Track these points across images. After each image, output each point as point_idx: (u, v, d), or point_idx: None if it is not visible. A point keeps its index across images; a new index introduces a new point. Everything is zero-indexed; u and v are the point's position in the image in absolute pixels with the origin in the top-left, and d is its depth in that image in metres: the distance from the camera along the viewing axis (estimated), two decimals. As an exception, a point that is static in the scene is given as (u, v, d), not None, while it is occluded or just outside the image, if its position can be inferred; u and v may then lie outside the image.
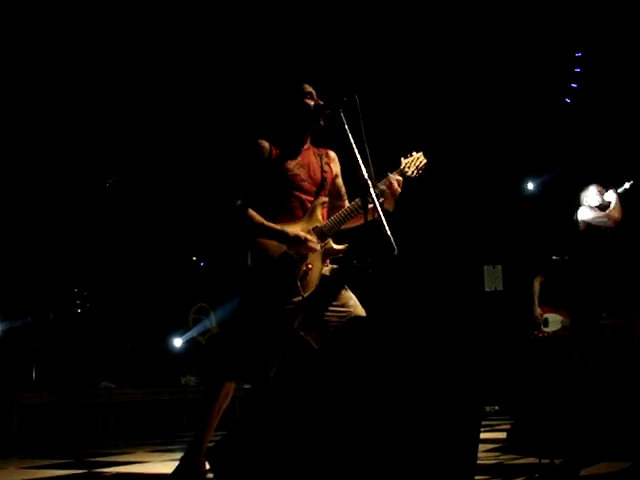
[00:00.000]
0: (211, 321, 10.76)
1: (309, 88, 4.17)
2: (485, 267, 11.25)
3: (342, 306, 4.02)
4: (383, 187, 4.01)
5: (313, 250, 3.94)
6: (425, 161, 4.32)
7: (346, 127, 3.87)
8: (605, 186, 6.70)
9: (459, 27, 9.54)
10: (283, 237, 3.91)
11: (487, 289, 11.21)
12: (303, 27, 8.77)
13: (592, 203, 6.64)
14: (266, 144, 4.10)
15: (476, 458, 3.29)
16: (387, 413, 2.92)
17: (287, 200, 4.06)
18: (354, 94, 3.88)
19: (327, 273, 4.11)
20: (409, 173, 4.23)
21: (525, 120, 10.51)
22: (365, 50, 9.16)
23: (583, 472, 3.65)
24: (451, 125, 10.17)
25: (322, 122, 4.13)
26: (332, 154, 4.33)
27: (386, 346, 3.16)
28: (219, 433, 3.47)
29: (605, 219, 6.47)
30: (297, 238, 3.91)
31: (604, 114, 10.57)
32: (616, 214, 6.44)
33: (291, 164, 4.08)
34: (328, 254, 4.07)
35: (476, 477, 3.34)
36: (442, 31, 9.53)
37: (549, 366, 7.19)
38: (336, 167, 4.32)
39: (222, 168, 4.42)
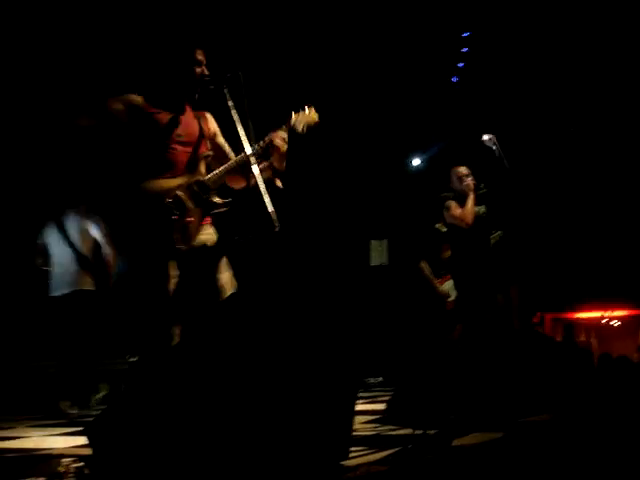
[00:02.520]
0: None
1: (200, 55, 4.13)
2: (371, 241, 11.39)
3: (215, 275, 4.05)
4: (262, 144, 4.00)
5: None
6: (316, 118, 4.33)
7: (230, 103, 3.88)
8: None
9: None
10: None
11: (373, 263, 11.36)
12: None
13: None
14: (138, 98, 4.05)
15: (351, 429, 3.37)
16: (263, 386, 2.97)
17: (166, 152, 4.02)
18: (238, 70, 3.88)
19: (210, 237, 4.11)
20: (299, 129, 4.23)
21: (410, 97, 10.66)
22: (254, 23, 9.10)
23: (456, 442, 3.77)
24: (339, 99, 10.22)
25: (199, 91, 4.12)
26: (208, 115, 4.31)
27: (265, 320, 3.20)
28: (100, 408, 3.44)
29: (458, 221, 6.68)
30: None
31: (489, 92, 10.84)
32: (468, 218, 6.64)
33: (167, 119, 4.04)
34: (210, 208, 4.06)
35: (352, 448, 3.42)
36: (333, 4, 9.55)
37: (429, 339, 7.39)
38: (213, 125, 4.31)
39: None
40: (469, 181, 6.80)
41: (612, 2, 9.57)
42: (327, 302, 3.59)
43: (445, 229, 7.67)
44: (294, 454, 2.99)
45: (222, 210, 4.10)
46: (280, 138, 4.07)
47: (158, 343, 3.86)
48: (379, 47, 10.04)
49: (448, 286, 7.77)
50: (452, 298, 7.64)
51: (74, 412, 6.74)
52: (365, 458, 3.48)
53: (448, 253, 7.69)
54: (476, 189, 6.77)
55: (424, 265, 7.74)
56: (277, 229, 3.72)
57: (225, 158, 4.23)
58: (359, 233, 11.34)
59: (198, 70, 4.08)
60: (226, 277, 4.08)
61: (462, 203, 6.71)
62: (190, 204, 3.94)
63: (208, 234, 4.10)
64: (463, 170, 6.93)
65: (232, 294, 3.90)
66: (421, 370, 5.61)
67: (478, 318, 6.57)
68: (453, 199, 6.77)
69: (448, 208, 6.76)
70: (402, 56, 10.22)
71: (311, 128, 4.30)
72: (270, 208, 3.69)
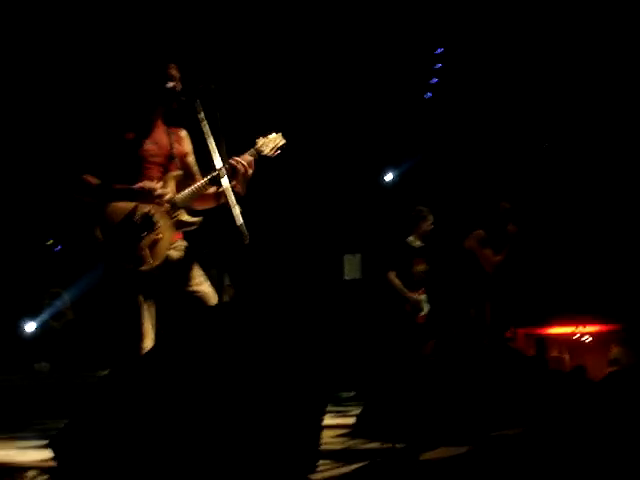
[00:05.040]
0: (66, 306, 10.50)
1: (174, 70, 4.16)
2: (345, 256, 11.39)
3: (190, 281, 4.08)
4: (227, 167, 4.02)
5: (162, 196, 3.95)
6: (284, 142, 4.37)
7: (201, 115, 3.89)
8: None
9: (322, 13, 9.59)
10: (128, 192, 3.92)
11: (346, 277, 11.36)
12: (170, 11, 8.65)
13: None
14: (113, 125, 4.09)
15: (319, 443, 3.36)
16: (229, 398, 2.95)
17: (139, 174, 4.05)
18: (211, 83, 3.89)
19: (179, 251, 4.14)
20: (266, 152, 4.26)
21: (385, 111, 10.68)
22: (227, 37, 9.10)
23: (424, 456, 3.77)
24: (312, 113, 10.24)
25: (175, 105, 4.14)
26: (182, 133, 4.35)
27: (233, 332, 3.19)
28: (62, 421, 3.41)
29: (485, 263, 6.72)
30: (141, 189, 3.92)
31: (461, 109, 10.89)
32: (495, 266, 6.68)
33: (140, 141, 4.07)
34: (180, 226, 4.08)
35: (320, 462, 3.40)
36: (304, 18, 9.56)
37: (400, 353, 7.38)
38: (186, 145, 4.34)
39: (75, 147, 4.36)
40: (514, 227, 6.81)
41: (588, 19, 9.65)
42: (298, 316, 3.58)
43: (419, 243, 7.69)
44: (260, 468, 2.97)
45: (191, 228, 4.13)
46: (244, 163, 4.09)
47: (129, 359, 3.87)
48: (352, 61, 10.06)
49: (423, 299, 7.77)
50: (424, 312, 7.64)
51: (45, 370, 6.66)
52: (332, 472, 3.47)
53: (421, 267, 7.71)
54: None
55: (392, 276, 7.72)
56: (247, 242, 3.72)
57: (192, 179, 4.26)
58: (332, 247, 11.33)
59: (171, 85, 4.09)
60: (206, 287, 4.12)
61: (492, 238, 6.72)
62: (160, 221, 3.96)
63: (179, 250, 4.12)
64: (508, 207, 6.95)
65: (198, 309, 3.91)
66: (391, 384, 5.60)
67: (451, 333, 6.59)
68: (484, 229, 6.79)
69: (483, 244, 6.74)
70: (375, 71, 10.25)
71: (280, 150, 4.34)
72: (239, 221, 3.70)
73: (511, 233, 6.84)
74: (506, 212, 6.97)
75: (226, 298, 8.21)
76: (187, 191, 4.10)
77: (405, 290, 7.65)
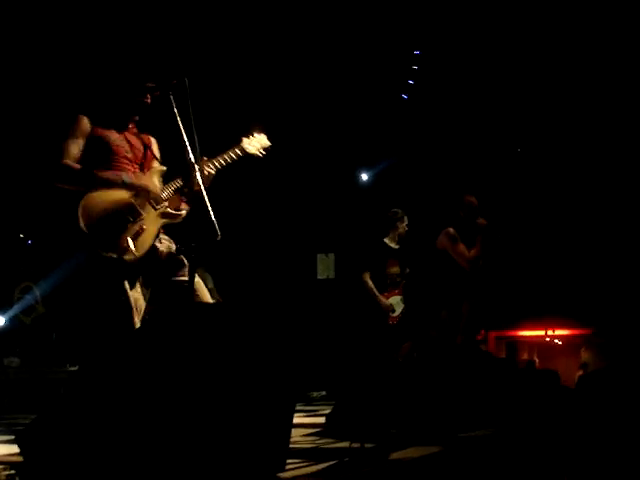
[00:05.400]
0: (36, 300, 10.40)
1: (151, 84, 4.19)
2: (318, 255, 11.39)
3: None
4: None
5: (151, 188, 4.01)
6: (269, 144, 4.44)
7: (175, 110, 3.88)
8: None
9: (300, 12, 9.58)
10: (117, 178, 3.96)
11: (320, 277, 11.37)
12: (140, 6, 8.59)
13: None
14: (86, 119, 4.10)
15: (288, 441, 3.35)
16: (198, 395, 2.93)
17: (117, 167, 4.09)
18: (184, 77, 3.89)
19: (165, 247, 4.15)
20: (251, 151, 4.32)
21: (360, 111, 10.69)
22: (201, 31, 9.06)
23: (394, 456, 3.77)
24: (288, 111, 10.22)
25: (149, 100, 4.16)
26: (152, 139, 4.40)
27: (207, 330, 3.16)
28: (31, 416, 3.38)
29: (462, 260, 6.72)
30: (144, 187, 3.95)
31: (437, 109, 10.93)
32: (474, 263, 6.68)
33: (113, 137, 4.10)
34: (165, 217, 4.10)
35: (289, 460, 3.39)
36: (282, 16, 9.54)
37: (371, 354, 7.39)
38: (155, 149, 4.38)
39: (46, 139, 4.37)
40: (483, 221, 6.80)
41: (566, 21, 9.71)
42: (269, 314, 3.57)
43: (394, 245, 7.69)
44: (229, 465, 2.96)
45: (177, 220, 4.14)
46: (210, 170, 4.13)
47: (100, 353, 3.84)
48: (329, 61, 10.06)
49: (394, 301, 7.77)
50: (396, 313, 7.65)
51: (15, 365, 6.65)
52: (301, 470, 3.46)
53: (395, 269, 7.72)
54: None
55: (366, 277, 7.73)
56: (219, 237, 3.71)
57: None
58: (305, 246, 11.33)
59: (146, 100, 4.16)
60: (200, 283, 4.15)
61: (463, 235, 6.73)
62: (144, 212, 3.98)
63: (166, 243, 4.15)
64: (475, 201, 6.94)
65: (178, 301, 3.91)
66: (362, 384, 5.60)
67: (426, 335, 6.59)
68: (453, 226, 6.79)
69: (454, 240, 6.74)
70: (351, 71, 10.25)
71: (266, 151, 4.42)
72: (212, 218, 3.69)
73: (481, 226, 6.84)
74: (472, 206, 6.96)
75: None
76: (171, 187, 4.14)
77: (376, 292, 7.65)
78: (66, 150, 4.05)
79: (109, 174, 4.03)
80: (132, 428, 2.87)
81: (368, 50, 10.19)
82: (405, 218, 7.90)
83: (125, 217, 3.95)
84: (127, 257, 3.93)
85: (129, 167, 4.18)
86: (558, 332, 13.72)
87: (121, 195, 4.01)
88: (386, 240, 7.89)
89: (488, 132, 10.80)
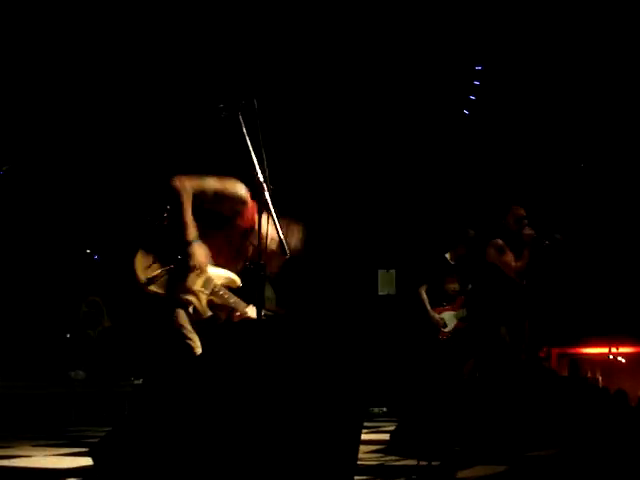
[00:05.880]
0: (103, 315, 10.58)
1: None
2: (379, 271, 11.41)
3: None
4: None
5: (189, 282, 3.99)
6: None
7: (244, 130, 3.92)
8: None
9: (351, 31, 9.64)
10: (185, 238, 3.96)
11: (380, 293, 11.38)
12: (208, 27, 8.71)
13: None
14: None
15: (356, 458, 3.37)
16: (268, 412, 2.97)
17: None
18: (253, 97, 3.93)
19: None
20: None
21: (422, 125, 10.73)
22: (267, 53, 9.15)
23: (460, 474, 3.77)
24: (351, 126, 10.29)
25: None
26: None
27: (274, 347, 3.21)
28: (105, 429, 3.45)
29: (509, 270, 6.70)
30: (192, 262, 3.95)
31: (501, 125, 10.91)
32: (521, 272, 6.65)
33: None
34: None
35: (356, 477, 3.41)
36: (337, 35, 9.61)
37: (435, 370, 7.36)
38: None
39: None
40: (531, 231, 6.77)
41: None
42: (336, 331, 3.60)
43: (453, 263, 7.68)
44: (299, 481, 2.99)
45: None
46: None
47: (166, 366, 3.91)
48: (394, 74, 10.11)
49: (446, 316, 7.73)
50: (448, 329, 7.61)
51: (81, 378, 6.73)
52: (370, 487, 3.49)
53: (453, 285, 7.69)
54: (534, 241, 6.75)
55: (422, 290, 7.71)
56: (288, 256, 3.76)
57: None
58: (367, 262, 11.35)
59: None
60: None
61: (512, 247, 6.72)
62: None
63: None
64: (522, 212, 6.91)
65: (244, 320, 3.95)
66: (426, 401, 5.60)
67: (491, 352, 6.55)
68: (500, 237, 6.77)
69: (501, 251, 6.73)
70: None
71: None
72: (281, 235, 3.73)
73: (528, 236, 6.79)
74: (519, 217, 6.92)
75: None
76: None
77: (428, 307, 7.63)
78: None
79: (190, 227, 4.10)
80: (203, 443, 2.92)
81: (431, 64, 10.23)
82: (472, 241, 7.85)
83: None
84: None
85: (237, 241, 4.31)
86: (622, 349, 13.54)
87: None
88: (447, 256, 7.86)
89: (552, 146, 10.75)
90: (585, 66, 10.04)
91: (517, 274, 6.72)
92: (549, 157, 10.84)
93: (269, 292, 8.16)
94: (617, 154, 10.57)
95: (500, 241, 6.85)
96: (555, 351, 12.55)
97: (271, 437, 2.94)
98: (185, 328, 3.91)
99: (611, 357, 13.69)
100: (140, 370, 8.73)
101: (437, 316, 7.63)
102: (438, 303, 7.70)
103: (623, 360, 13.75)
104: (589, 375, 13.54)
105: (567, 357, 13.54)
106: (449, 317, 7.70)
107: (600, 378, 13.37)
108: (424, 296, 7.67)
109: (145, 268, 3.84)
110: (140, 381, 8.37)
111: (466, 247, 7.44)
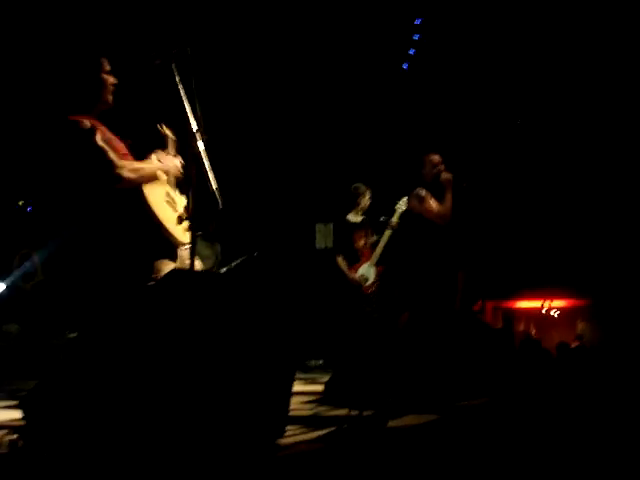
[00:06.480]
0: (36, 267, 10.42)
1: (107, 65, 4.11)
2: (317, 224, 11.40)
3: None
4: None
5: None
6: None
7: (177, 79, 3.87)
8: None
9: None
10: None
11: (318, 246, 11.38)
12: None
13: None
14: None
15: (288, 409, 3.39)
16: (202, 365, 2.97)
17: None
18: (186, 46, 3.87)
19: None
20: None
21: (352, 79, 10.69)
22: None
23: (391, 423, 3.81)
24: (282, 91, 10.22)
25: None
26: None
27: (204, 300, 3.19)
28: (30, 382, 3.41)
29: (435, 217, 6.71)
30: None
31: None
32: (448, 216, 6.67)
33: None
34: None
35: (288, 427, 3.44)
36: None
37: (368, 323, 7.41)
38: None
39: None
40: (447, 174, 6.77)
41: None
42: (268, 283, 3.60)
43: (359, 219, 7.68)
44: (230, 432, 3.00)
45: None
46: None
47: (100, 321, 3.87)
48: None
49: (363, 270, 7.76)
50: (371, 281, 7.65)
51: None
52: (300, 437, 3.51)
53: (361, 242, 7.71)
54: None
55: (339, 260, 7.72)
56: (220, 207, 3.73)
57: None
58: (304, 216, 11.35)
59: (109, 79, 4.07)
60: None
61: (434, 194, 6.72)
62: None
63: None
64: (437, 158, 6.91)
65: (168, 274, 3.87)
66: (360, 353, 5.65)
67: (426, 305, 6.58)
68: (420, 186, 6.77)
69: (422, 200, 6.72)
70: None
71: None
72: (214, 185, 3.70)
73: (445, 179, 6.82)
74: (433, 163, 6.96)
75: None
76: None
77: (346, 270, 7.65)
78: None
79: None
80: (133, 395, 2.91)
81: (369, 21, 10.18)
82: (367, 192, 7.86)
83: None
84: None
85: None
86: (555, 303, 13.83)
87: None
88: (349, 217, 7.85)
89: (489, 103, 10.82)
90: (523, 18, 10.07)
91: (441, 219, 6.72)
92: (486, 113, 10.90)
93: (207, 251, 8.12)
94: (555, 109, 10.68)
95: (421, 190, 6.85)
96: (490, 304, 12.76)
97: (201, 388, 2.94)
98: None
99: (544, 310, 13.99)
100: (75, 324, 8.64)
101: (356, 276, 7.65)
102: (355, 262, 7.74)
103: (556, 315, 14.06)
104: (523, 328, 13.83)
105: (501, 310, 13.80)
106: (366, 269, 7.72)
107: (534, 331, 13.67)
108: (341, 263, 7.68)
109: None
110: (74, 335, 8.29)
111: (362, 201, 7.45)
